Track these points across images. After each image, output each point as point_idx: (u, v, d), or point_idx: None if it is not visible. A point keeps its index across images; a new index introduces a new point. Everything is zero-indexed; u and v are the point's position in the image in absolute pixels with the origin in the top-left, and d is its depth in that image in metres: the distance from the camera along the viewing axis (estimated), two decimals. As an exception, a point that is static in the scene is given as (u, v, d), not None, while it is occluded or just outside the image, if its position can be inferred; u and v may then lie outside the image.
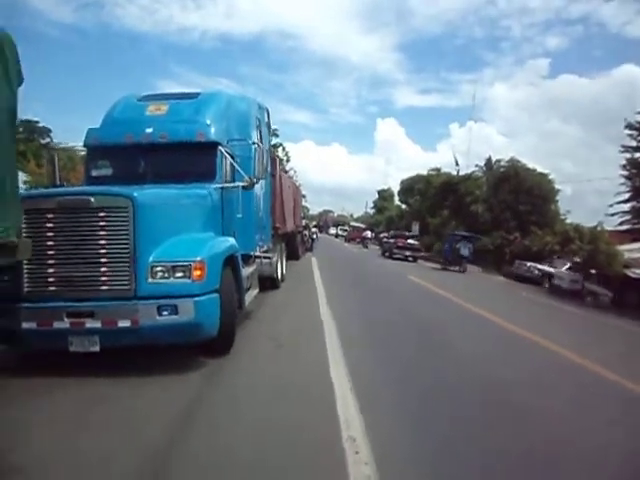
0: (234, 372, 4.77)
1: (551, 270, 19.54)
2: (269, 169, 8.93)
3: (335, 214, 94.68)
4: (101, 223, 4.21)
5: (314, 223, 44.34)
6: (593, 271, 17.86)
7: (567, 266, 19.35)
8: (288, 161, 41.19)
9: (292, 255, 16.11)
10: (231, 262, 5.30)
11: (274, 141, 31.04)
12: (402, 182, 55.20)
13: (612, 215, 16.75)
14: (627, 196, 16.05)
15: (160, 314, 4.24)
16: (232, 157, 6.19)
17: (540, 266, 20.06)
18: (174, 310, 4.27)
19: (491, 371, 5.67)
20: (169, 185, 5.45)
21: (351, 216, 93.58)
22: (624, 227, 16.73)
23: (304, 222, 25.33)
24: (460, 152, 41.11)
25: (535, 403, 4.62)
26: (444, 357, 6.14)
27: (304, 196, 38.15)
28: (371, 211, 78.64)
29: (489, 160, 33.64)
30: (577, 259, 17.85)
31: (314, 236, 28.47)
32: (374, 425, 3.57)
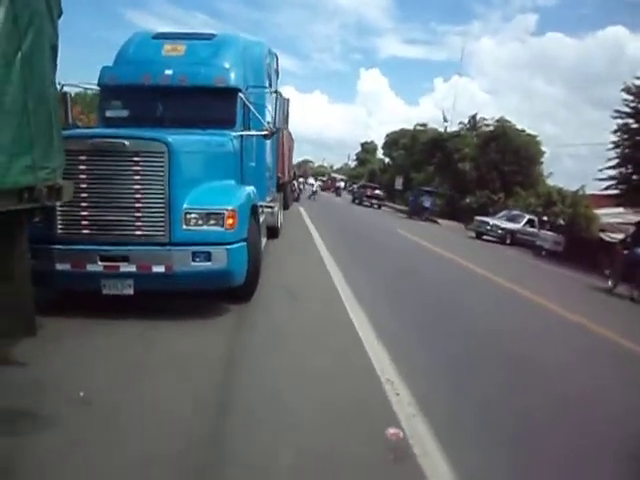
0: (260, 316, 4.98)
1: (514, 227, 19.93)
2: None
3: (315, 164, 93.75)
4: (136, 167, 4.17)
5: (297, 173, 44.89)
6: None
7: (525, 220, 20.04)
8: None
9: (284, 205, 16.19)
10: (254, 211, 5.36)
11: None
12: (387, 135, 54.88)
13: (601, 180, 17.14)
14: (615, 162, 16.38)
15: (194, 261, 4.32)
16: (250, 104, 6.08)
17: (503, 224, 19.99)
18: (207, 257, 4.34)
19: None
20: (190, 130, 5.35)
21: (331, 167, 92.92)
22: (609, 192, 17.22)
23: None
24: (443, 108, 41.16)
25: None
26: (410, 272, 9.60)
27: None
28: (352, 163, 78.29)
29: (474, 118, 33.57)
30: (561, 221, 18.45)
31: (314, 188, 30.68)
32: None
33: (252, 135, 6.05)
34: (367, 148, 70.93)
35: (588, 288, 11.45)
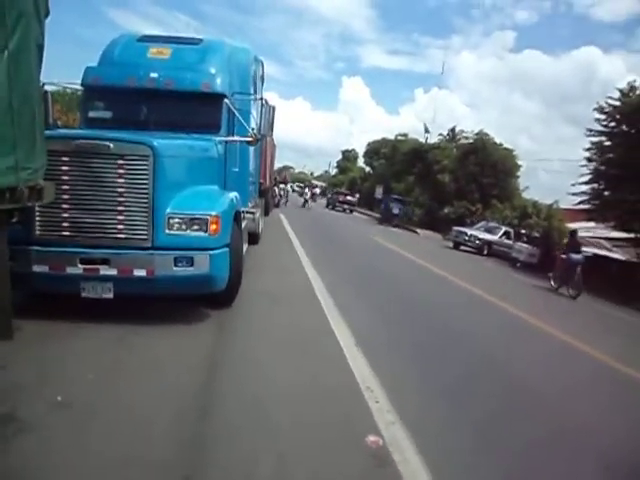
0: (241, 322, 4.97)
1: (491, 238, 20.26)
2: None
3: (296, 171, 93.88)
4: (119, 170, 4.14)
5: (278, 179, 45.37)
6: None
7: (502, 231, 20.43)
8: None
9: (265, 211, 16.17)
10: (237, 217, 5.36)
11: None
12: (368, 144, 55.46)
13: (574, 194, 17.63)
14: (587, 178, 16.88)
15: (176, 265, 4.29)
16: (235, 110, 6.10)
17: (480, 235, 20.30)
18: (190, 262, 4.32)
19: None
20: (175, 135, 5.34)
21: (311, 174, 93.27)
22: (582, 207, 17.71)
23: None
24: (423, 119, 42.26)
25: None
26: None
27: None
28: (333, 171, 78.77)
29: (453, 130, 34.28)
30: (536, 234, 18.88)
31: (307, 197, 32.36)
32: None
33: (236, 141, 6.06)
34: (348, 156, 71.42)
35: (544, 291, 12.71)
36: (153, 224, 4.24)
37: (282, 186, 29.91)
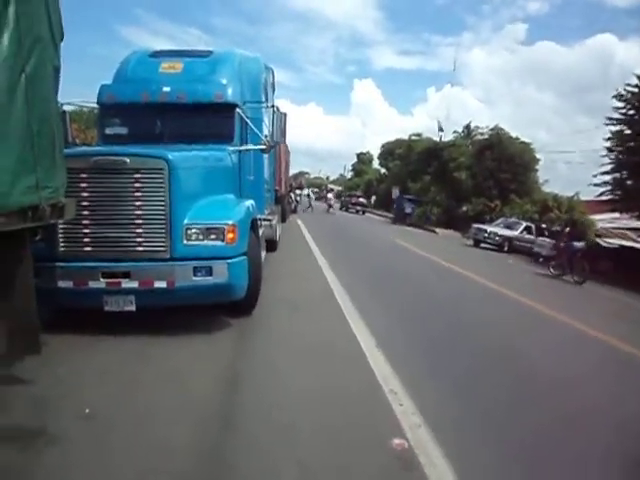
0: (261, 331, 5.00)
1: (511, 234, 19.89)
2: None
3: (311, 176, 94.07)
4: (137, 184, 4.22)
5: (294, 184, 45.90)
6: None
7: (522, 227, 20.03)
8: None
9: (281, 217, 16.27)
10: (254, 225, 5.41)
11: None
12: (383, 146, 55.26)
13: (595, 185, 17.23)
14: (609, 168, 16.50)
15: (195, 275, 4.34)
16: (247, 119, 6.17)
17: (500, 232, 19.93)
18: (209, 272, 4.38)
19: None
20: (190, 146, 5.42)
21: (327, 178, 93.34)
22: (603, 198, 17.30)
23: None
24: (437, 117, 41.90)
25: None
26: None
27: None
28: (348, 174, 78.73)
29: (468, 127, 33.87)
30: (557, 227, 18.51)
31: (331, 202, 33.50)
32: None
33: (250, 149, 6.12)
34: (363, 159, 71.26)
35: (564, 283, 12.80)
36: (171, 235, 4.31)
37: (298, 192, 30.06)
